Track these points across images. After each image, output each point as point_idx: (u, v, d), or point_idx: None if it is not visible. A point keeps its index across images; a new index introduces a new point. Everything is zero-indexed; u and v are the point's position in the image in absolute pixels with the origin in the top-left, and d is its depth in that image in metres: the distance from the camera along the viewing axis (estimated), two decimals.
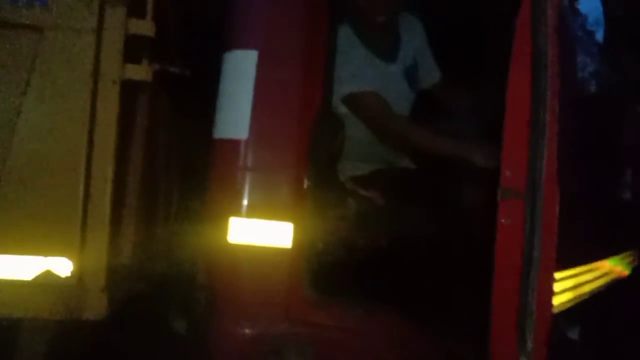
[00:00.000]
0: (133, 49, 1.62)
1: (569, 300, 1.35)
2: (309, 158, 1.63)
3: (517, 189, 1.26)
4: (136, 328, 1.79)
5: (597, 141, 1.59)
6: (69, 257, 1.51)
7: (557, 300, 1.29)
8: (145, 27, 1.64)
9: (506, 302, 1.26)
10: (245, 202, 1.58)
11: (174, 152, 2.13)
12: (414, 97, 2.11)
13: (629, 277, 1.82)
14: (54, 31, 1.53)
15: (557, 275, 1.28)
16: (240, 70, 1.64)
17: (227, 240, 1.55)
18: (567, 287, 1.34)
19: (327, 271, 1.68)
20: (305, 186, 1.63)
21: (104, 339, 1.74)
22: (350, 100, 1.92)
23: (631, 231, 1.87)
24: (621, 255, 1.88)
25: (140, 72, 1.64)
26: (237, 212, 1.57)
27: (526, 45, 1.26)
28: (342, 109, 1.94)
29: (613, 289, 1.66)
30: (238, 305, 1.60)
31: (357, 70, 1.93)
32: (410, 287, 1.74)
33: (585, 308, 1.44)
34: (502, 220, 1.28)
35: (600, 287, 1.56)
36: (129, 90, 1.65)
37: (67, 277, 1.50)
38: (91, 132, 1.55)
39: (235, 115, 1.62)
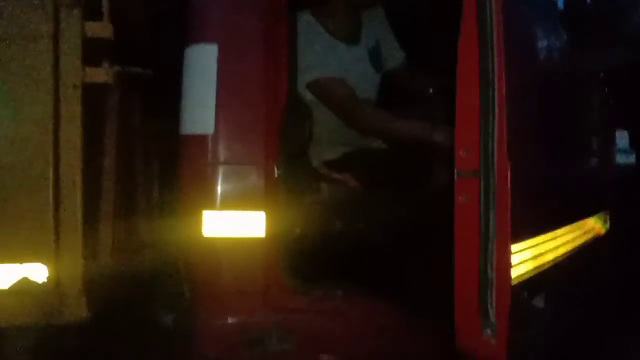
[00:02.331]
0: (92, 52, 1.62)
1: (530, 270, 1.38)
2: (279, 147, 1.65)
3: (471, 168, 1.29)
4: (123, 326, 1.82)
5: (557, 113, 1.61)
6: (45, 263, 1.53)
7: (517, 272, 1.32)
8: (102, 29, 1.63)
9: (468, 278, 1.29)
10: (216, 195, 1.60)
11: (152, 150, 2.14)
12: (380, 79, 2.12)
13: (600, 239, 1.85)
14: (9, 40, 1.52)
15: (516, 247, 1.31)
16: (201, 64, 1.64)
17: (201, 234, 1.57)
18: (527, 257, 1.37)
19: (304, 257, 1.71)
20: (276, 175, 1.65)
21: (91, 340, 1.76)
22: (315, 87, 1.93)
23: (601, 195, 1.90)
24: (595, 217, 1.91)
25: (101, 74, 1.64)
26: (209, 206, 1.59)
27: (473, 24, 1.27)
28: (309, 96, 1.95)
29: (583, 253, 1.69)
30: (217, 297, 1.62)
31: (320, 56, 1.94)
32: (386, 267, 1.77)
33: (550, 275, 1.47)
34: (459, 198, 1.31)
35: (568, 253, 1.59)
36: (93, 93, 1.65)
37: (44, 283, 1.52)
38: (56, 137, 1.55)
39: (200, 110, 1.63)
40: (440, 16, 1.74)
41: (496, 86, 1.26)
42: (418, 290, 1.64)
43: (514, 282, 1.28)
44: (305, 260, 1.71)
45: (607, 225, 1.96)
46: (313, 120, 1.93)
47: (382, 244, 1.81)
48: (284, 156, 1.66)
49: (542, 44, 1.63)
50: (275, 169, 1.64)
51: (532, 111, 1.46)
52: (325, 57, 1.94)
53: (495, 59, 1.26)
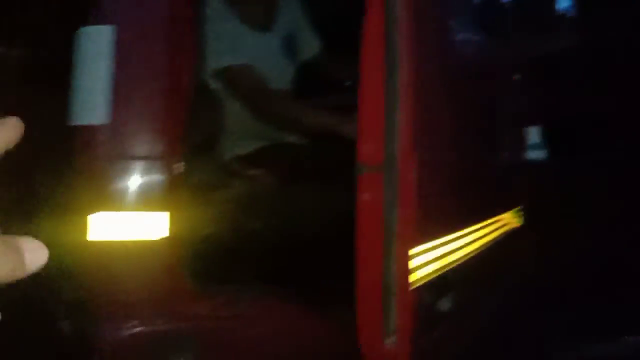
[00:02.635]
0: None
1: (437, 270, 1.33)
2: (183, 140, 1.52)
3: (374, 162, 1.21)
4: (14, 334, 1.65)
5: (468, 106, 1.56)
6: None
7: (423, 273, 1.26)
8: None
9: (370, 282, 1.21)
10: (109, 193, 1.45)
11: (49, 143, 1.95)
12: (294, 68, 2.02)
13: (514, 234, 1.83)
14: None
15: (421, 247, 1.25)
16: (94, 48, 1.49)
17: (87, 239, 1.42)
18: (434, 257, 1.31)
19: (212, 259, 1.59)
20: (181, 171, 1.52)
21: None
22: (223, 76, 1.81)
23: (514, 190, 1.88)
24: (508, 213, 1.89)
25: None
26: (100, 205, 1.44)
27: (379, 8, 1.19)
28: (218, 84, 1.83)
29: (495, 251, 1.66)
30: (113, 304, 1.48)
31: (229, 43, 1.82)
32: (300, 266, 1.68)
33: (460, 275, 1.42)
34: (362, 196, 1.23)
35: (479, 250, 1.55)
36: None
37: None
38: None
39: (91, 98, 1.47)
40: (359, 3, 1.67)
41: (402, 74, 1.19)
42: (332, 290, 1.56)
43: (419, 284, 1.22)
44: (214, 262, 1.59)
45: (521, 221, 1.95)
46: (223, 111, 1.81)
47: (297, 243, 1.72)
48: (190, 150, 1.53)
49: (453, 31, 1.58)
50: (179, 164, 1.51)
51: (441, 103, 1.40)
52: (234, 43, 1.82)
53: (402, 46, 1.18)
